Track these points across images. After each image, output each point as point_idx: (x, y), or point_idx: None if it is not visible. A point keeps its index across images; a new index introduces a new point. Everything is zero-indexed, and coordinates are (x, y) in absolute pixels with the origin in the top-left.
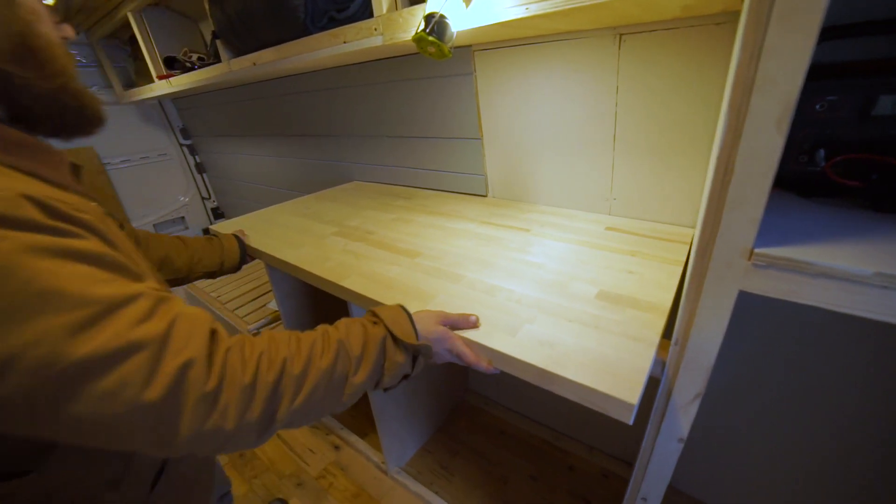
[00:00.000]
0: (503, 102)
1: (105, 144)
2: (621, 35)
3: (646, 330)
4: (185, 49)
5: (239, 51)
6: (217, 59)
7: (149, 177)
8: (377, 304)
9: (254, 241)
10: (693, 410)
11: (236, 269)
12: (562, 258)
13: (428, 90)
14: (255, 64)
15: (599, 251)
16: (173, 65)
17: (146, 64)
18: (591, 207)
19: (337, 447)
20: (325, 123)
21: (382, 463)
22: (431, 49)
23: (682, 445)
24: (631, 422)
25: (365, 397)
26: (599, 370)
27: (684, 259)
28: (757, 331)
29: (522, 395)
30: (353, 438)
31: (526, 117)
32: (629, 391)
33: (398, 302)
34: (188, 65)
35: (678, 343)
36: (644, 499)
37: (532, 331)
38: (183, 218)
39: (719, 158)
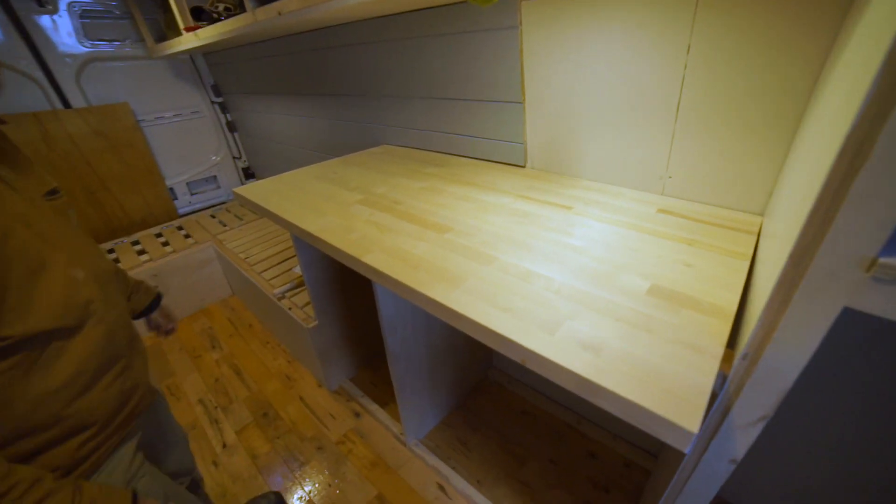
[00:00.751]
0: (550, 61)
1: (139, 101)
2: None
3: (707, 338)
4: None
5: (262, 1)
6: (244, 9)
7: (182, 134)
8: (400, 285)
9: (276, 207)
10: (755, 433)
11: (136, 315)
12: (607, 243)
13: (466, 46)
14: (280, 14)
15: (651, 237)
16: (201, 16)
17: (175, 16)
18: (642, 185)
19: (358, 414)
20: (355, 82)
21: (401, 434)
22: None
23: (733, 467)
24: (688, 451)
25: (386, 366)
26: (651, 385)
27: (751, 252)
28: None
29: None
30: (374, 407)
31: (576, 79)
32: (689, 416)
33: (424, 282)
34: (215, 15)
35: (747, 358)
36: None
37: (574, 329)
38: (215, 177)
39: (850, 137)
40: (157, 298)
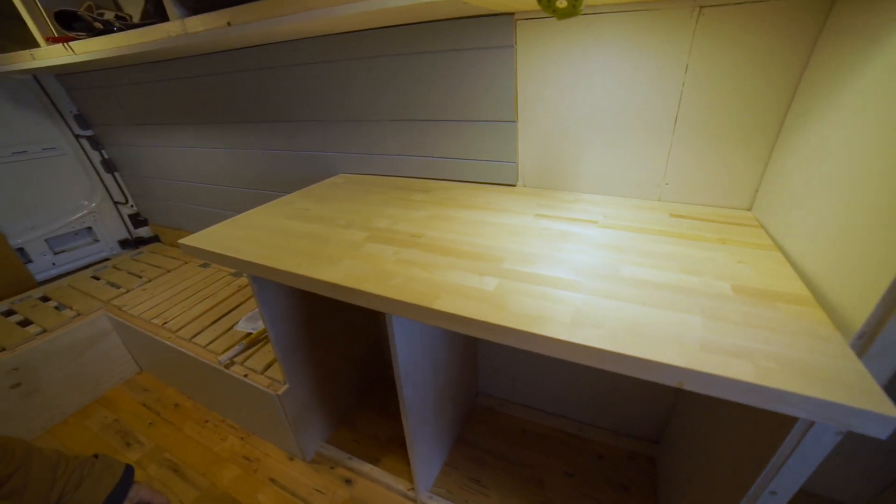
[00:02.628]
0: (547, 80)
1: None
2: (701, 7)
3: (818, 325)
4: (90, 3)
5: (196, 7)
6: (156, 18)
7: (30, 177)
8: (490, 327)
9: (257, 256)
10: None
11: None
12: (658, 253)
13: (452, 65)
14: (230, 24)
15: (685, 240)
16: (72, 24)
17: (18, 20)
18: (640, 194)
19: (349, 481)
20: (304, 106)
21: (409, 490)
22: (562, 3)
23: (839, 438)
24: (885, 436)
25: (382, 416)
26: (815, 379)
27: (771, 242)
28: None
29: (539, 391)
30: (367, 467)
31: (574, 97)
32: (879, 402)
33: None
34: (98, 25)
35: (864, 336)
36: (773, 492)
37: (709, 340)
38: (90, 229)
39: None
40: (127, 475)
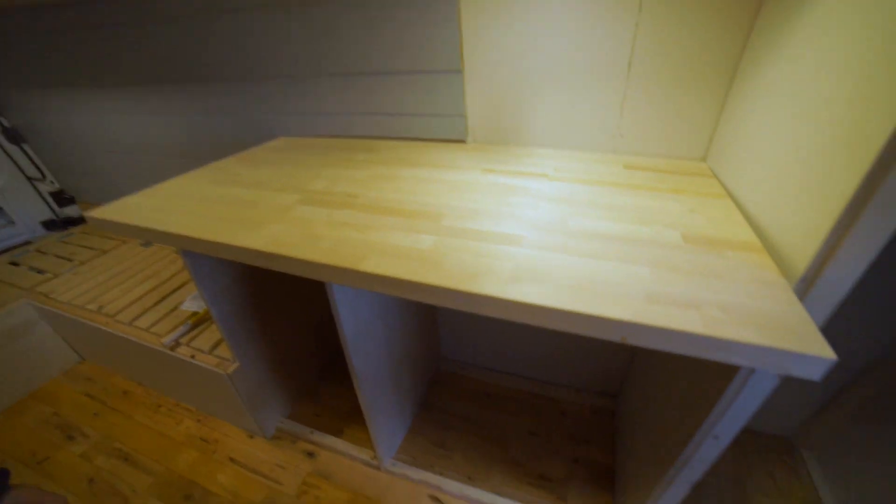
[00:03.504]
0: (492, 25)
1: None
2: None
3: (765, 272)
4: None
5: None
6: None
7: None
8: (423, 289)
9: (176, 226)
10: None
11: None
12: (609, 205)
13: (394, 13)
14: None
15: (640, 191)
16: None
17: None
18: (594, 147)
19: (311, 454)
20: (234, 62)
21: (373, 458)
22: None
23: (777, 382)
24: (819, 378)
25: (345, 386)
26: (763, 326)
27: (724, 191)
28: None
29: (502, 353)
30: (329, 439)
31: (522, 44)
32: (817, 345)
33: (464, 286)
34: None
35: (806, 280)
36: (716, 437)
37: (656, 291)
38: (0, 210)
39: None
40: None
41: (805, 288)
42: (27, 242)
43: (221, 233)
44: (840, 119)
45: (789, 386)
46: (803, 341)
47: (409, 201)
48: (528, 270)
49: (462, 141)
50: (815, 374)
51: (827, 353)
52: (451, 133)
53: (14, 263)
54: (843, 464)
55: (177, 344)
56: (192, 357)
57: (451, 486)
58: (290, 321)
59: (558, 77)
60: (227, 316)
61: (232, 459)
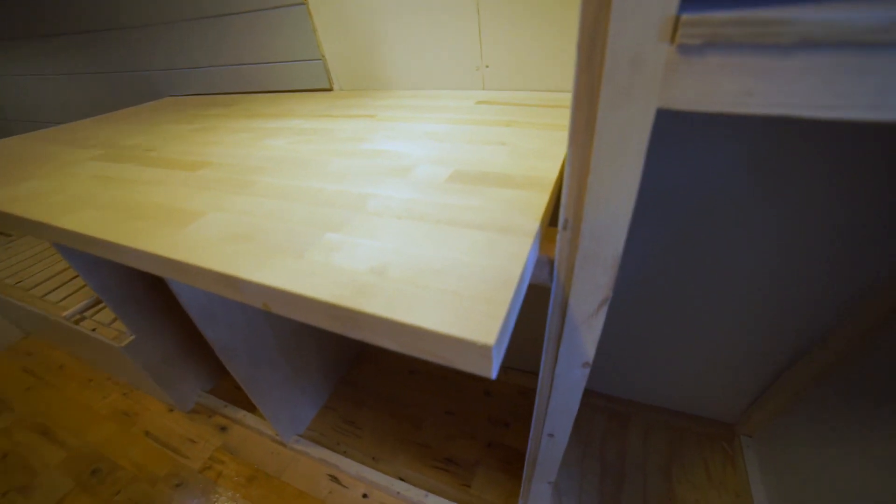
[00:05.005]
0: None
1: None
2: None
3: (519, 215)
4: None
5: None
6: None
7: None
8: (102, 244)
9: None
10: (598, 324)
11: None
12: (412, 142)
13: None
14: None
15: (466, 126)
16: None
17: None
18: (462, 84)
19: (223, 428)
20: (104, 6)
21: (277, 435)
22: None
23: (588, 371)
24: (493, 375)
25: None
26: (448, 295)
27: (565, 123)
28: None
29: None
30: (242, 414)
31: None
32: (485, 323)
33: (139, 234)
34: None
35: (568, 226)
36: (551, 435)
37: (335, 243)
38: None
39: None
40: None
41: (571, 240)
42: None
43: None
44: None
45: (732, 367)
46: (473, 320)
47: (196, 152)
48: (219, 214)
49: (328, 90)
50: (483, 368)
51: (484, 337)
52: (316, 82)
53: None
54: (777, 451)
55: (81, 317)
56: (94, 330)
57: (351, 466)
58: None
59: (412, 9)
60: (109, 289)
61: (147, 433)
